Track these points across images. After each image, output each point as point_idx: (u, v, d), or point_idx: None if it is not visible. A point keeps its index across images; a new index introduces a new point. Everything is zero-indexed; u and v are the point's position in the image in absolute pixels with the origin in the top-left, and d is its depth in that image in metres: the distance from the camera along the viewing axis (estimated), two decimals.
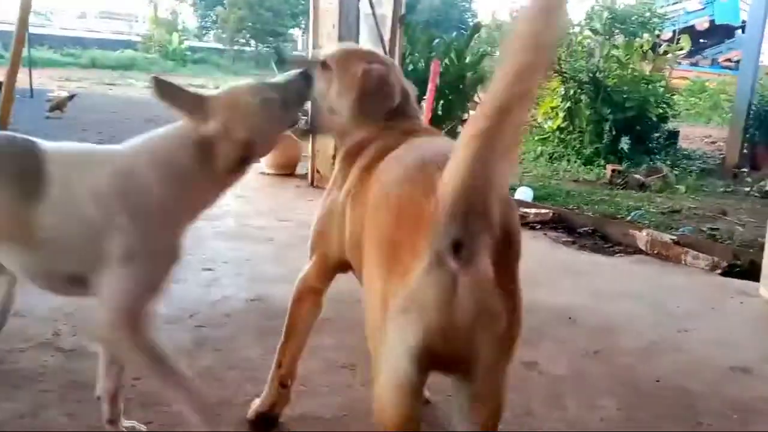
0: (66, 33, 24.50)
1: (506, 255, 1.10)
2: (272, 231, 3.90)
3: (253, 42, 26.34)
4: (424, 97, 5.12)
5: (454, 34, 6.25)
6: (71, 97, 8.73)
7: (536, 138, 7.57)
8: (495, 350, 1.10)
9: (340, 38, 4.97)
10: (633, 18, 8.02)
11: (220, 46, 26.04)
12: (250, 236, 3.82)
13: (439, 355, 1.06)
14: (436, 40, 5.56)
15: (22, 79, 6.67)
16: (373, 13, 5.21)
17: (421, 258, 1.02)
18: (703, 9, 16.03)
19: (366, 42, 5.36)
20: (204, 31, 28.48)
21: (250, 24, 25.33)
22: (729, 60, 15.10)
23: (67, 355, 2.26)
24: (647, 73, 7.45)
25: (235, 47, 25.65)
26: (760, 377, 2.38)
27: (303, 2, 25.59)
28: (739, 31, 14.94)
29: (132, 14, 32.21)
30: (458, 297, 1.01)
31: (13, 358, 2.21)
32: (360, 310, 1.33)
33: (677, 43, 8.56)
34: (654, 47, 7.68)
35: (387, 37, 5.34)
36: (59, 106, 8.41)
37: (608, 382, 2.28)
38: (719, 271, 3.60)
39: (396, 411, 1.11)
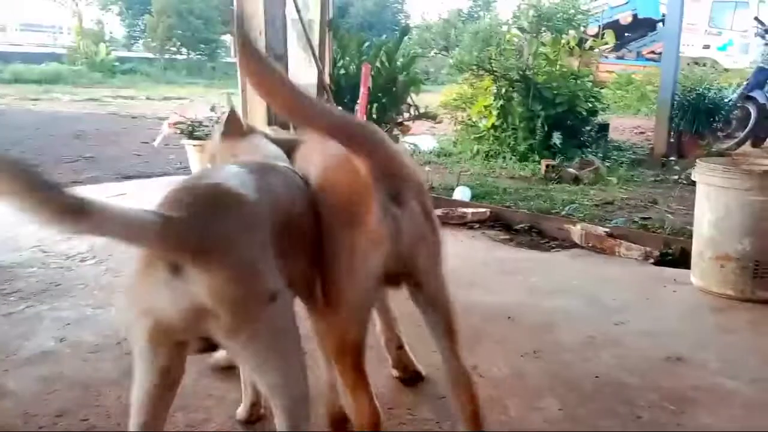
0: None
1: (422, 195, 1.57)
2: None
3: (184, 50, 25.79)
4: (358, 101, 5.08)
5: (384, 36, 6.22)
6: None
7: (472, 137, 7.63)
8: (431, 260, 1.59)
9: (267, 45, 4.86)
10: (558, 15, 8.20)
11: (150, 55, 25.36)
12: None
13: (394, 272, 1.53)
14: (366, 44, 5.53)
15: None
16: (300, 19, 5.14)
17: (373, 211, 1.46)
18: (626, 4, 16.56)
19: (295, 48, 5.28)
20: (132, 41, 27.71)
21: (179, 32, 24.77)
22: (653, 52, 15.65)
23: None
24: (575, 68, 7.61)
25: (166, 56, 25.03)
26: (692, 365, 2.43)
27: (234, 7, 25.19)
28: (661, 24, 15.51)
29: (56, 26, 31.05)
30: (402, 229, 1.49)
31: None
32: None
33: (602, 38, 8.77)
34: (580, 43, 7.86)
35: (316, 42, 5.28)
36: None
37: (548, 381, 2.28)
38: (652, 260, 3.69)
39: (359, 327, 1.56)
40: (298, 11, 5.08)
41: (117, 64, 22.79)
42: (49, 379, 2.23)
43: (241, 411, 1.99)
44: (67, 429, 1.93)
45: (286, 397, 1.36)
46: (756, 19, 9.71)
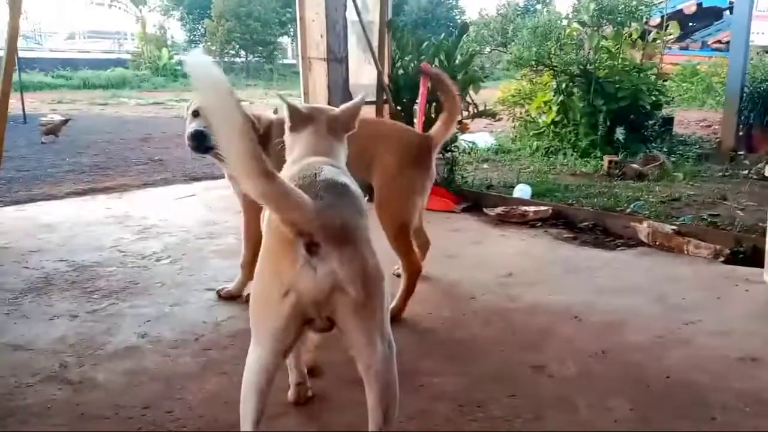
0: (56, 55, 24.53)
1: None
2: None
3: (243, 53, 26.37)
4: (417, 101, 5.11)
5: (443, 35, 6.21)
6: (65, 121, 8.71)
7: (531, 133, 7.55)
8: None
9: (329, 47, 4.95)
10: (620, 8, 8.02)
11: (210, 58, 26.04)
12: None
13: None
14: (425, 43, 5.54)
15: (13, 104, 6.66)
16: (360, 21, 5.20)
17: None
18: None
19: (355, 49, 5.36)
20: (193, 45, 28.48)
21: (238, 35, 25.33)
22: (719, 42, 15.09)
23: (75, 388, 2.25)
24: (638, 61, 7.43)
25: (225, 59, 25.65)
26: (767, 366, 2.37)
27: (290, 11, 25.58)
28: (727, 12, 14.93)
29: (120, 32, 32.26)
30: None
31: (21, 393, 2.20)
32: None
33: (666, 29, 8.53)
34: (643, 35, 7.66)
35: (375, 43, 5.33)
36: (53, 130, 8.39)
37: (618, 381, 2.27)
38: (722, 259, 3.59)
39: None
40: (359, 13, 5.15)
41: (179, 68, 23.49)
42: (134, 373, 2.36)
43: (291, 394, 2.11)
44: (154, 420, 2.03)
45: (393, 372, 1.53)
46: None
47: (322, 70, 5.05)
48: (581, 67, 6.97)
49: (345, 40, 5.06)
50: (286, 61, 27.64)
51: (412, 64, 5.48)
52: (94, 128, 10.25)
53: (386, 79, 5.33)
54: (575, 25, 8.04)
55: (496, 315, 2.89)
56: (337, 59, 4.98)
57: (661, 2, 11.12)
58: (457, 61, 5.49)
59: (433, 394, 2.19)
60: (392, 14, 5.78)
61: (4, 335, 2.66)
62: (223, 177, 3.29)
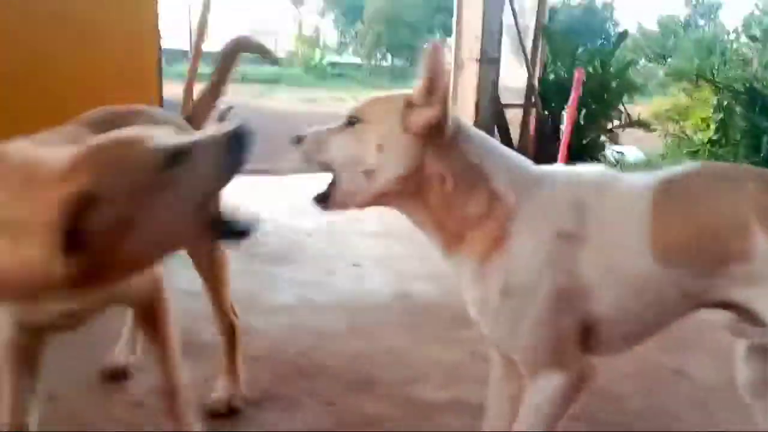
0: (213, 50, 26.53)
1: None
2: (414, 231, 4.06)
3: (389, 56, 27.16)
4: (566, 107, 5.09)
5: (599, 42, 6.12)
6: (230, 108, 9.47)
7: (685, 151, 7.20)
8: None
9: (482, 48, 5.08)
10: None
11: (358, 60, 27.05)
12: (393, 235, 4.00)
13: None
14: (580, 49, 5.51)
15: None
16: (516, 24, 5.28)
17: None
18: None
19: (508, 52, 5.44)
20: (344, 47, 29.72)
21: (387, 39, 26.12)
22: None
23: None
24: None
25: (372, 62, 26.53)
26: None
27: (440, 16, 25.95)
28: None
29: (278, 31, 34.34)
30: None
31: (197, 332, 2.50)
32: None
33: None
34: None
35: (528, 47, 5.38)
36: (222, 117, 9.17)
37: None
38: None
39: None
40: (515, 17, 5.23)
41: (329, 68, 24.63)
42: (289, 327, 2.61)
43: None
44: (310, 366, 2.26)
45: None
46: None
47: (473, 71, 5.18)
48: (747, 84, 6.56)
49: (499, 42, 5.17)
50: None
51: (564, 69, 5.47)
52: (253, 118, 11.01)
53: (536, 83, 5.36)
54: (744, 39, 7.56)
55: None
56: (489, 60, 5.09)
57: None
58: (612, 69, 5.41)
59: None
60: (548, 20, 5.80)
61: (180, 283, 3.03)
62: None
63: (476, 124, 5.15)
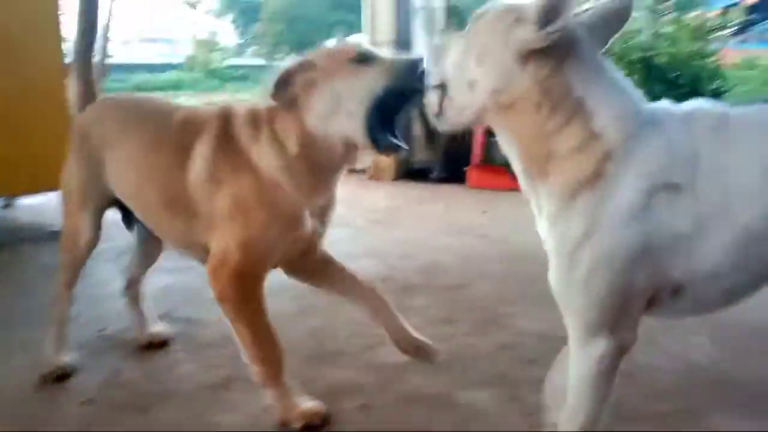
0: (113, 61, 25.39)
1: None
2: (343, 217, 4.06)
3: (292, 55, 26.87)
4: None
5: None
6: None
7: None
8: None
9: (396, 32, 5.13)
10: None
11: (260, 61, 26.60)
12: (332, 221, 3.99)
13: None
14: None
15: None
16: (426, 6, 5.37)
17: None
18: None
19: (421, 35, 5.52)
20: (244, 48, 29.16)
21: (288, 37, 25.83)
22: None
23: (185, 324, 2.46)
24: (699, 49, 7.37)
25: (275, 62, 26.17)
26: None
27: (338, 12, 25.99)
28: None
29: (173, 37, 33.19)
30: None
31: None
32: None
33: (727, 18, 8.41)
34: (705, 23, 7.59)
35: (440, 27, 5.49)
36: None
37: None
38: None
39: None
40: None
41: (230, 71, 24.12)
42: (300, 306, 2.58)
43: None
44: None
45: None
46: None
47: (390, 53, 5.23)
48: (641, 53, 6.95)
49: (412, 23, 5.24)
50: None
51: None
52: None
53: None
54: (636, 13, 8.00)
55: None
56: (404, 43, 5.15)
57: None
58: None
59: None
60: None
61: (115, 285, 2.89)
62: None
63: None
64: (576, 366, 1.25)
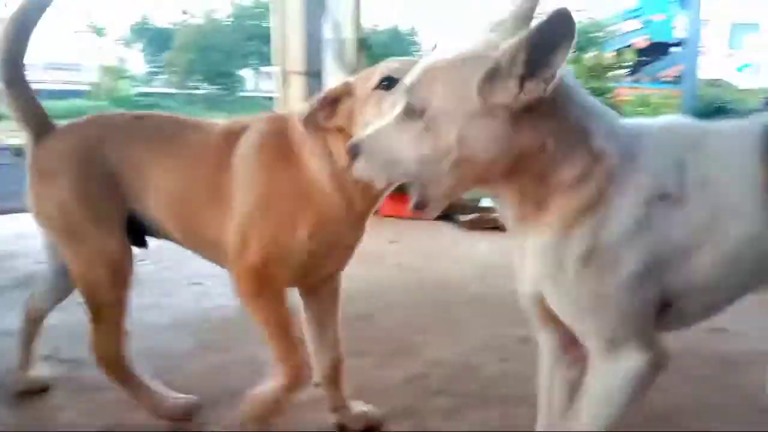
0: None
1: None
2: None
3: (205, 84, 26.43)
4: None
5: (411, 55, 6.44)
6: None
7: None
8: None
9: (306, 63, 5.10)
10: (580, 35, 8.36)
11: (171, 90, 25.99)
12: None
13: None
14: None
15: None
16: (336, 38, 5.38)
17: None
18: (641, 28, 16.82)
19: (330, 65, 5.51)
20: (153, 76, 28.42)
21: (200, 66, 25.41)
22: (667, 75, 15.84)
23: (70, 366, 2.27)
24: (595, 87, 7.79)
25: (186, 90, 25.64)
26: None
27: (253, 43, 25.87)
28: (675, 47, 15.72)
29: (79, 63, 31.92)
30: None
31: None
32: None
33: (622, 59, 8.97)
34: (602, 62, 8.06)
35: (350, 60, 5.51)
36: (21, 152, 8.33)
37: None
38: None
39: None
40: (335, 30, 5.32)
41: (139, 99, 23.40)
42: (134, 351, 2.38)
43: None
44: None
45: None
46: None
47: (299, 84, 5.19)
48: None
49: (322, 54, 5.23)
50: (246, 93, 27.78)
51: None
52: None
53: None
54: None
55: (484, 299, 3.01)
56: (314, 73, 5.13)
57: (617, 35, 11.67)
58: None
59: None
60: (367, 34, 5.99)
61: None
62: None
63: None
64: (602, 379, 1.20)
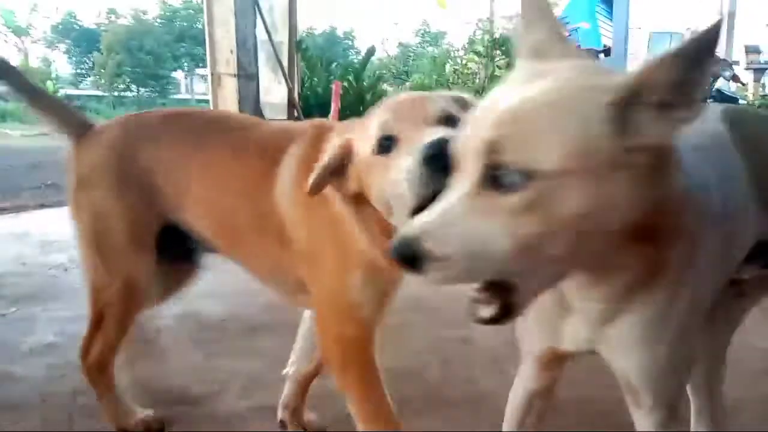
0: None
1: None
2: None
3: (134, 86, 25.66)
4: (329, 117, 5.24)
5: (350, 57, 6.44)
6: None
7: None
8: None
9: (239, 63, 5.01)
10: (512, 40, 8.59)
11: (99, 92, 25.11)
12: None
13: None
14: (334, 64, 5.73)
15: None
16: (270, 40, 5.30)
17: None
18: (569, 36, 17.33)
19: (265, 68, 5.44)
20: (81, 78, 27.38)
21: (129, 69, 24.66)
22: None
23: None
24: None
25: (115, 93, 24.84)
26: None
27: (184, 45, 25.26)
28: (602, 54, 16.31)
29: None
30: None
31: None
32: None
33: None
34: None
35: (285, 62, 5.44)
36: None
37: None
38: None
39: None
40: (268, 32, 5.25)
41: (66, 101, 22.53)
42: (57, 366, 2.26)
43: None
44: (85, 405, 1.97)
45: None
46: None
47: (233, 87, 5.09)
48: (476, 94, 7.39)
49: (255, 57, 5.15)
50: (179, 96, 27.13)
51: (321, 84, 5.63)
52: None
53: (296, 97, 5.44)
54: (471, 55, 8.52)
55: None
56: (247, 76, 5.04)
57: None
58: (365, 83, 5.70)
59: None
60: (302, 36, 5.94)
61: None
62: None
63: None
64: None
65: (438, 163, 0.99)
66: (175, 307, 2.86)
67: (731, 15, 11.06)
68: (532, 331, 1.13)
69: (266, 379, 2.15)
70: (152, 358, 2.34)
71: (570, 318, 1.02)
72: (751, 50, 10.28)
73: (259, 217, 1.49)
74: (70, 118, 1.72)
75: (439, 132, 1.07)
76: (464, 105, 1.22)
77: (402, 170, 1.07)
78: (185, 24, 25.41)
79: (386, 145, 1.15)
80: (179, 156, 1.61)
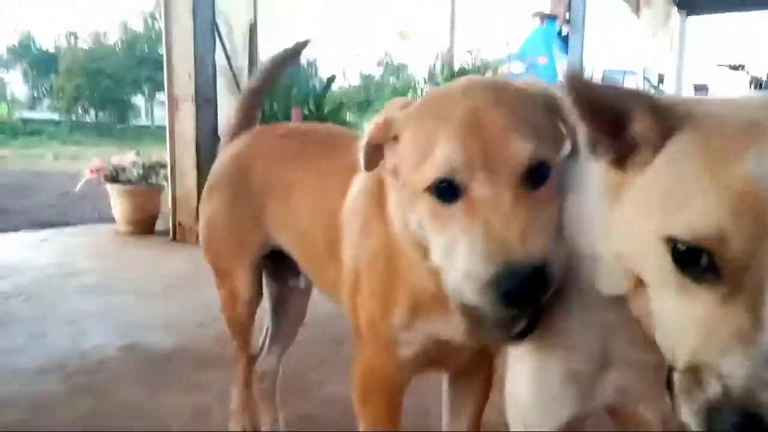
0: None
1: None
2: (136, 283, 3.71)
3: (92, 111, 25.23)
4: None
5: (310, 84, 6.45)
6: None
7: None
8: None
9: (197, 89, 4.95)
10: (470, 71, 8.76)
11: (56, 116, 24.59)
12: (114, 288, 3.61)
13: None
14: (294, 90, 5.70)
15: None
16: (230, 65, 5.26)
17: None
18: (525, 71, 17.74)
19: (224, 93, 5.37)
20: (38, 102, 26.80)
21: (88, 92, 24.25)
22: None
23: None
24: None
25: (73, 117, 24.37)
26: None
27: (146, 70, 24.95)
28: None
29: None
30: None
31: None
32: None
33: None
34: None
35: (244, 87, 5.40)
36: None
37: None
38: None
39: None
40: (228, 57, 5.21)
41: (21, 125, 21.99)
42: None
43: None
44: None
45: None
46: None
47: (190, 112, 5.01)
48: None
49: (214, 81, 5.08)
50: (140, 123, 26.76)
51: (281, 110, 5.58)
52: None
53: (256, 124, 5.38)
54: (432, 87, 8.61)
55: None
56: (206, 101, 4.97)
57: (505, 74, 12.21)
58: (326, 110, 5.68)
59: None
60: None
61: None
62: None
63: (198, 165, 4.96)
64: None
65: (514, 299, 0.84)
66: (114, 341, 2.76)
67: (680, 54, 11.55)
68: (556, 398, 0.98)
69: (213, 413, 2.07)
70: (92, 394, 2.23)
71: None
72: (699, 89, 10.73)
73: (330, 245, 1.36)
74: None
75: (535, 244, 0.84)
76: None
77: (461, 260, 0.87)
78: (147, 49, 25.17)
79: (445, 191, 0.91)
80: (281, 176, 1.53)
